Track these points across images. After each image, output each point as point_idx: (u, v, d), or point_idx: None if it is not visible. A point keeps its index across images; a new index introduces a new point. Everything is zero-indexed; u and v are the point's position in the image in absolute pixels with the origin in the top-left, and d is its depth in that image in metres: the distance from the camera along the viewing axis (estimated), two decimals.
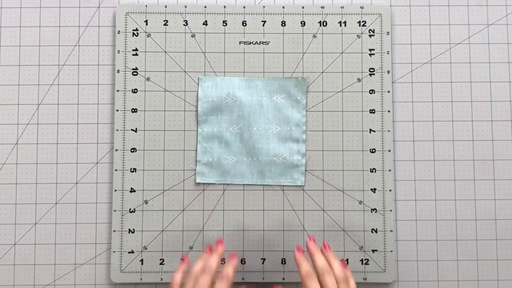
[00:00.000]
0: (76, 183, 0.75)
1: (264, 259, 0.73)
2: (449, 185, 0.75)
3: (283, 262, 0.73)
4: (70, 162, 0.75)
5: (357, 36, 0.76)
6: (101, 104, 0.75)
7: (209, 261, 0.65)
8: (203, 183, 0.74)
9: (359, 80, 0.75)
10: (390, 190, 0.74)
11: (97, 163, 0.75)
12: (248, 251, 0.74)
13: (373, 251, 0.73)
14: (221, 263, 0.70)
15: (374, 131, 0.75)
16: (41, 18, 0.76)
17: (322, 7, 0.76)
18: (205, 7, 0.76)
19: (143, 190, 0.74)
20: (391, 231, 0.73)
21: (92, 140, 0.75)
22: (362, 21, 0.76)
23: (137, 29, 0.75)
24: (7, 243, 0.74)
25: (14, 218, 0.74)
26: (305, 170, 0.74)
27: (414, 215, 0.75)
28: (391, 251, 0.73)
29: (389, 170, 0.74)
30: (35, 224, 0.74)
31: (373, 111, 0.75)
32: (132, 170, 0.74)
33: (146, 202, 0.74)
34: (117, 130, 0.74)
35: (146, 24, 0.75)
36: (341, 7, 0.76)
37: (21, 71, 0.76)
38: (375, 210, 0.74)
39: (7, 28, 0.76)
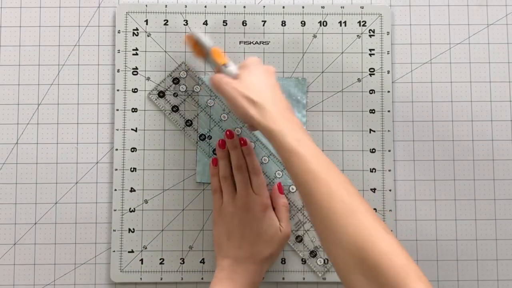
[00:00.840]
0: (76, 183, 0.75)
1: None
2: (449, 185, 0.75)
3: (283, 262, 0.73)
4: (70, 162, 0.75)
5: (357, 36, 0.76)
6: (101, 104, 0.75)
7: (235, 159, 0.69)
8: (203, 183, 0.74)
9: (359, 80, 0.75)
10: (390, 190, 0.74)
11: (97, 163, 0.75)
12: None
13: None
14: None
15: (374, 131, 0.75)
16: (41, 18, 0.76)
17: (322, 7, 0.76)
18: (205, 6, 0.76)
19: (143, 189, 0.74)
20: (391, 231, 0.73)
21: (92, 140, 0.75)
22: (362, 21, 0.76)
23: (137, 29, 0.75)
24: (7, 243, 0.74)
25: (14, 218, 0.74)
26: None
27: (414, 215, 0.75)
28: None
29: (389, 170, 0.74)
30: (35, 224, 0.74)
31: (373, 111, 0.75)
32: (132, 169, 0.74)
33: (146, 201, 0.74)
34: (117, 130, 0.74)
35: (146, 24, 0.75)
36: (341, 7, 0.76)
37: (21, 71, 0.76)
38: (375, 210, 0.74)
39: (7, 28, 0.76)
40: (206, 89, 0.75)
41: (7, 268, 0.73)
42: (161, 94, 0.75)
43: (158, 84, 0.74)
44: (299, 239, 0.73)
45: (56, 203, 0.74)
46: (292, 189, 0.74)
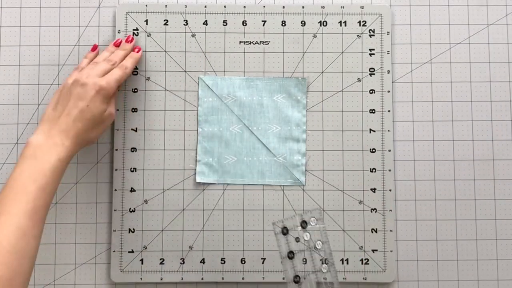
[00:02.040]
0: (76, 183, 0.75)
1: (264, 259, 0.73)
2: (449, 185, 0.75)
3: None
4: (70, 162, 0.74)
5: (357, 36, 0.76)
6: None
7: (113, 55, 0.71)
8: (203, 183, 0.74)
9: (359, 80, 0.75)
10: (390, 190, 0.74)
11: (97, 163, 0.75)
12: (247, 251, 0.73)
13: (373, 251, 0.73)
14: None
15: (374, 131, 0.75)
16: (41, 18, 0.76)
17: (322, 7, 0.76)
18: (205, 6, 0.76)
19: (143, 189, 0.74)
20: (391, 231, 0.73)
21: None
22: (362, 21, 0.76)
23: (137, 29, 0.75)
24: None
25: None
26: (305, 170, 0.74)
27: (414, 215, 0.75)
28: (391, 251, 0.73)
29: (389, 170, 0.74)
30: None
31: (373, 111, 0.75)
32: (132, 169, 0.74)
33: (146, 201, 0.74)
34: (117, 130, 0.74)
35: (146, 24, 0.75)
36: (341, 7, 0.76)
37: (21, 71, 0.76)
38: (375, 210, 0.74)
39: (7, 28, 0.76)
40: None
41: None
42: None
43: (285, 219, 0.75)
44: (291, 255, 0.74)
45: (56, 203, 0.74)
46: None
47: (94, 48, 0.74)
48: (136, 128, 0.74)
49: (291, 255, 0.73)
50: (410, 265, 0.74)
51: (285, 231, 0.73)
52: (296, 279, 0.72)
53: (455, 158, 0.75)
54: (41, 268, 0.73)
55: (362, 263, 0.73)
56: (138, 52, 0.73)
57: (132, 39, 0.74)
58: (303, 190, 0.74)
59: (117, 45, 0.73)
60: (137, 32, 0.75)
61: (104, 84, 0.67)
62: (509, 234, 0.75)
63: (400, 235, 0.74)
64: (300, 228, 0.73)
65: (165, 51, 0.75)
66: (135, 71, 0.75)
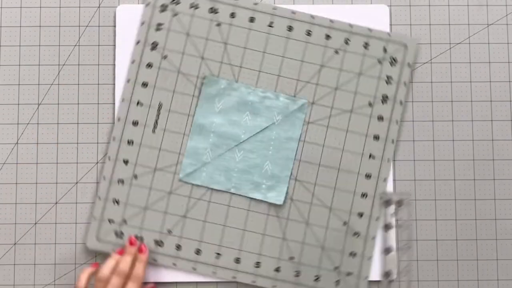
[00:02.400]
0: (76, 183, 0.75)
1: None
2: (449, 185, 0.75)
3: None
4: (70, 162, 0.75)
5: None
6: (101, 104, 0.75)
7: (121, 263, 0.67)
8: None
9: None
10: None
11: (97, 163, 0.75)
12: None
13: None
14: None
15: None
16: (41, 18, 0.76)
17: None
18: None
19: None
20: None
21: (92, 140, 0.75)
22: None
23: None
24: (7, 243, 0.74)
25: (14, 218, 0.74)
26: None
27: (414, 215, 0.75)
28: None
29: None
30: (35, 224, 0.74)
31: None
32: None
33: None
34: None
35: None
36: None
37: (21, 71, 0.76)
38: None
39: (7, 28, 0.76)
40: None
41: (7, 268, 0.74)
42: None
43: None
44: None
45: (56, 203, 0.74)
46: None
47: (95, 265, 0.69)
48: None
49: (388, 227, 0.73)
50: (410, 265, 0.74)
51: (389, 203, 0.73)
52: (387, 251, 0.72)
53: (455, 158, 0.75)
54: (41, 268, 0.74)
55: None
56: (145, 253, 0.70)
57: (135, 240, 0.70)
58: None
59: (120, 253, 0.69)
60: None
61: None
62: (509, 234, 0.75)
63: (400, 234, 0.74)
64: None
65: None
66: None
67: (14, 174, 0.74)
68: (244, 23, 0.75)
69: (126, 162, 0.74)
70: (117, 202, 0.73)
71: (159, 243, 0.73)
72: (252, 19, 0.75)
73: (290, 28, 0.75)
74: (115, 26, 0.76)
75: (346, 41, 0.75)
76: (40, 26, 0.76)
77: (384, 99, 0.75)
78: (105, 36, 0.76)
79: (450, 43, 0.77)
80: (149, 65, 0.75)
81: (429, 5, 0.77)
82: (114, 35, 0.76)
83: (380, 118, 0.74)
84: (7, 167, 0.75)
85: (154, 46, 0.75)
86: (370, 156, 0.74)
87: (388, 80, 0.75)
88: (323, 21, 0.75)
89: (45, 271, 0.74)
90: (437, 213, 0.75)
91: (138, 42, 0.75)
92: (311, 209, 0.73)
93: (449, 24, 0.77)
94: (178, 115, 0.74)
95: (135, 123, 0.74)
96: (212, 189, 0.74)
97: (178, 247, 0.73)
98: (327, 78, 0.75)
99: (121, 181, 0.74)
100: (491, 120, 0.76)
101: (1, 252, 0.74)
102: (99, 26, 0.76)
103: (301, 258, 0.73)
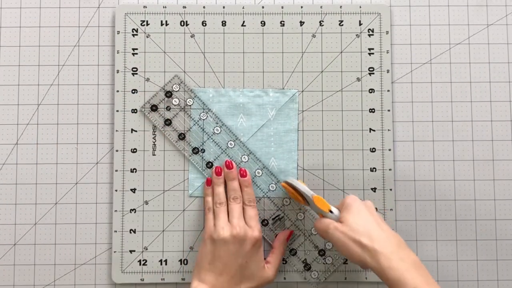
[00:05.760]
0: (76, 183, 0.75)
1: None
2: (449, 185, 0.75)
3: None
4: (70, 162, 0.75)
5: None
6: (101, 104, 0.75)
7: (233, 189, 0.71)
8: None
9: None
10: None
11: (97, 163, 0.75)
12: None
13: None
14: None
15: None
16: (41, 18, 0.76)
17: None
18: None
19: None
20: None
21: (92, 140, 0.75)
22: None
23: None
24: (7, 243, 0.74)
25: (14, 218, 0.74)
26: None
27: (414, 215, 0.75)
28: None
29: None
30: (35, 224, 0.74)
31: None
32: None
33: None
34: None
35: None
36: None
37: (21, 71, 0.76)
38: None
39: (7, 28, 0.76)
40: (198, 103, 0.75)
41: (7, 268, 0.74)
42: (154, 108, 0.74)
43: (151, 98, 0.74)
44: (293, 252, 0.73)
45: (56, 203, 0.74)
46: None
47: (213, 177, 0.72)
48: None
49: (168, 122, 0.73)
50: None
51: (154, 108, 0.74)
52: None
53: (455, 158, 0.75)
54: (41, 268, 0.74)
55: None
56: (247, 177, 0.72)
57: (232, 164, 0.72)
58: None
59: (219, 174, 0.72)
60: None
61: (258, 235, 0.68)
62: (509, 234, 0.75)
63: (400, 235, 0.74)
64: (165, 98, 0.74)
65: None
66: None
67: (14, 174, 0.74)
68: (217, 29, 0.75)
69: (133, 190, 0.74)
70: (133, 231, 0.73)
71: (183, 262, 0.73)
72: (224, 23, 0.75)
73: (263, 23, 0.75)
74: (114, 26, 0.76)
75: (321, 23, 0.75)
76: (40, 26, 0.76)
77: (371, 71, 0.75)
78: (105, 36, 0.76)
79: (450, 43, 0.76)
80: (134, 91, 0.75)
81: (429, 5, 0.77)
82: (114, 35, 0.76)
83: (372, 90, 0.75)
84: (7, 167, 0.75)
85: (135, 71, 0.75)
86: (370, 130, 0.75)
87: (370, 51, 0.75)
88: (294, 8, 0.76)
89: (45, 271, 0.74)
90: (437, 213, 0.75)
91: (118, 71, 0.75)
92: (325, 194, 0.74)
93: (449, 24, 0.77)
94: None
95: (133, 151, 0.74)
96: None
97: None
98: (311, 63, 0.75)
99: (133, 210, 0.74)
100: (491, 120, 0.76)
101: (1, 252, 0.74)
102: (98, 26, 0.76)
103: (325, 246, 0.73)
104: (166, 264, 0.73)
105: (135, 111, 0.75)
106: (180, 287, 0.74)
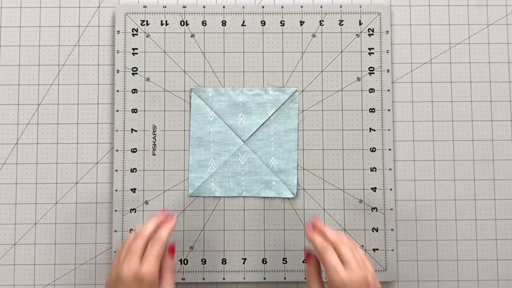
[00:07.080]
0: (76, 183, 0.75)
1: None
2: (449, 185, 0.75)
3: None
4: (70, 162, 0.75)
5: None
6: (101, 104, 0.75)
7: (144, 227, 0.63)
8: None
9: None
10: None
11: (97, 163, 0.75)
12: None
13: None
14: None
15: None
16: (41, 18, 0.76)
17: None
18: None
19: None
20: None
21: (92, 140, 0.75)
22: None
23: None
24: (7, 243, 0.74)
25: (14, 218, 0.74)
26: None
27: (414, 215, 0.75)
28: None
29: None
30: (35, 224, 0.74)
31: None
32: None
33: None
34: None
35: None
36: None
37: (21, 71, 0.76)
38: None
39: (7, 28, 0.76)
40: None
41: (7, 268, 0.74)
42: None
43: None
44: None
45: (56, 203, 0.74)
46: None
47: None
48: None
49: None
50: (410, 265, 0.74)
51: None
52: None
53: (455, 158, 0.75)
54: (41, 268, 0.74)
55: None
56: (172, 222, 0.65)
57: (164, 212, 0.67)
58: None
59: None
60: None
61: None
62: (509, 234, 0.75)
63: (400, 235, 0.74)
64: None
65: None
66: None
67: (14, 174, 0.74)
68: (217, 29, 0.75)
69: (133, 190, 0.74)
70: (133, 231, 0.73)
71: (183, 261, 0.73)
72: (224, 23, 0.75)
73: (263, 23, 0.76)
74: (114, 26, 0.76)
75: (321, 23, 0.75)
76: (40, 26, 0.76)
77: (371, 70, 0.75)
78: (105, 36, 0.76)
79: (450, 43, 0.76)
80: (134, 91, 0.75)
81: (429, 5, 0.77)
82: (114, 35, 0.76)
83: (372, 90, 0.75)
84: (7, 167, 0.75)
85: (135, 71, 0.75)
86: (370, 129, 0.75)
87: (370, 51, 0.75)
88: (294, 8, 0.76)
89: (45, 271, 0.74)
90: (437, 213, 0.75)
91: (118, 71, 0.75)
92: (325, 194, 0.74)
93: (449, 24, 0.77)
94: (174, 133, 0.74)
95: (133, 150, 0.74)
96: (224, 197, 0.74)
97: (204, 261, 0.73)
98: (311, 63, 0.75)
99: (133, 210, 0.74)
100: (491, 120, 0.76)
101: (1, 252, 0.74)
102: (99, 26, 0.76)
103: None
104: None
105: (135, 111, 0.75)
106: (180, 287, 0.74)
